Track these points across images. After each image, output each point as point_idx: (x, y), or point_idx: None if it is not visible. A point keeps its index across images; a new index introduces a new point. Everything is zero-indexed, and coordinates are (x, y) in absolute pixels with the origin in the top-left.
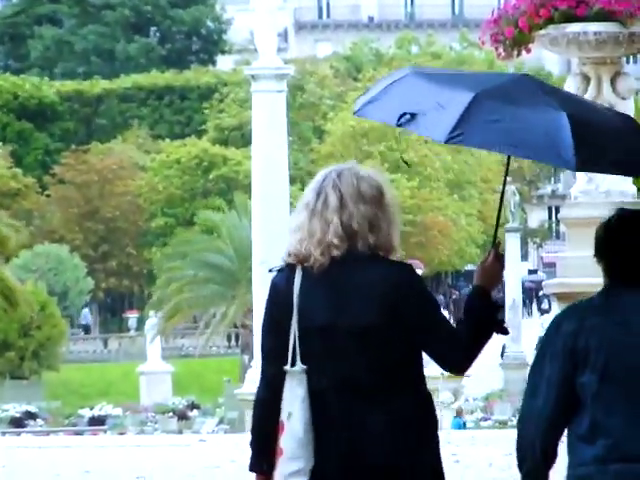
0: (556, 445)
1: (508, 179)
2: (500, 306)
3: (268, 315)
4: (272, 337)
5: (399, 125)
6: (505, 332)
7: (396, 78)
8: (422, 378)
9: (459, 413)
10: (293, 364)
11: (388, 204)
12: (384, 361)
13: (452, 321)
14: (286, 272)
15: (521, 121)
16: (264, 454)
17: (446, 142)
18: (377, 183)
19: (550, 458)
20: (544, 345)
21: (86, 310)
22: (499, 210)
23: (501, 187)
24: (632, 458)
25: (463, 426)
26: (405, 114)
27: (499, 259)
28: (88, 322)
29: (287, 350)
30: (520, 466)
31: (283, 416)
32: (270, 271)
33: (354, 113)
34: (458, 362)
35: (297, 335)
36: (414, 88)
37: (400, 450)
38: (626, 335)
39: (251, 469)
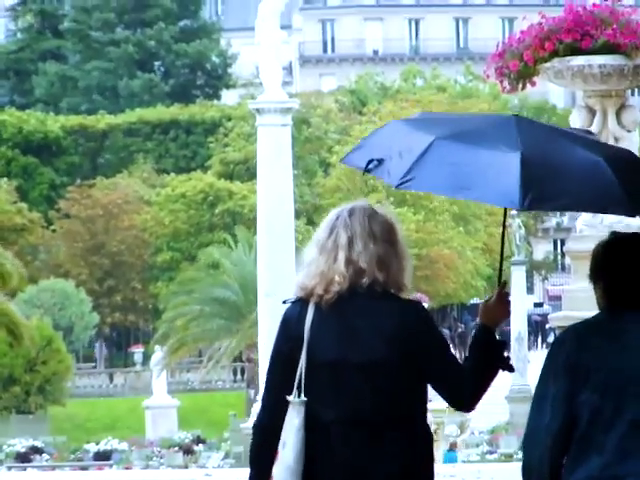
0: (562, 462)
1: (514, 212)
2: (504, 342)
3: (278, 346)
4: (280, 367)
5: (367, 171)
6: (511, 369)
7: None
8: (425, 415)
9: (453, 446)
10: (298, 395)
11: (399, 243)
12: (390, 397)
13: (458, 355)
14: (298, 305)
15: (474, 163)
16: (261, 476)
17: (397, 187)
18: (389, 222)
19: (556, 476)
20: (547, 364)
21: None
22: (501, 250)
23: (507, 221)
24: (625, 477)
25: (455, 460)
26: (372, 160)
27: (503, 299)
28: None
29: (292, 381)
30: None
31: (280, 445)
32: (284, 302)
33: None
34: (465, 401)
35: (305, 368)
36: (391, 134)
37: None
38: (625, 357)
39: None
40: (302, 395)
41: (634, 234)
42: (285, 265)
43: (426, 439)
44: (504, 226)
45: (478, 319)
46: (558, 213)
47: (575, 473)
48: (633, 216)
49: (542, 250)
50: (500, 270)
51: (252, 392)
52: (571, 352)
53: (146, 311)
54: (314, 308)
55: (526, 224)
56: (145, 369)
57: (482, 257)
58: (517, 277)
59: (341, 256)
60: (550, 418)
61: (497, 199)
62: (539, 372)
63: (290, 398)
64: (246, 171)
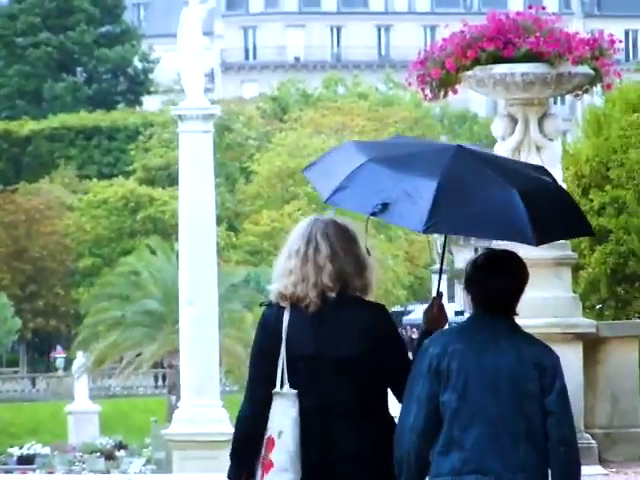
0: (427, 456)
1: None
2: None
3: (258, 343)
4: (261, 363)
5: (373, 215)
6: None
7: (355, 163)
8: (387, 405)
9: None
10: (282, 386)
11: (362, 250)
12: (358, 388)
13: None
14: (275, 308)
15: (480, 205)
16: (245, 465)
17: (424, 232)
18: (353, 232)
19: (423, 468)
20: (414, 368)
21: None
22: (441, 264)
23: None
24: (484, 471)
25: None
26: (377, 205)
27: (441, 308)
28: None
29: (274, 375)
30: (398, 477)
31: (272, 433)
32: (261, 305)
33: (324, 201)
34: None
35: (285, 362)
36: (377, 176)
37: (366, 464)
38: (483, 359)
39: (229, 477)
40: (287, 387)
41: (502, 252)
42: (207, 272)
43: (391, 426)
44: (444, 247)
45: (422, 326)
46: None
47: (440, 466)
48: (536, 246)
49: (463, 259)
50: (439, 282)
51: (173, 398)
52: (434, 357)
53: (68, 316)
54: (290, 309)
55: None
56: (67, 374)
57: (403, 265)
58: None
59: (328, 265)
60: (415, 417)
61: (512, 237)
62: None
63: (279, 390)
64: (167, 177)
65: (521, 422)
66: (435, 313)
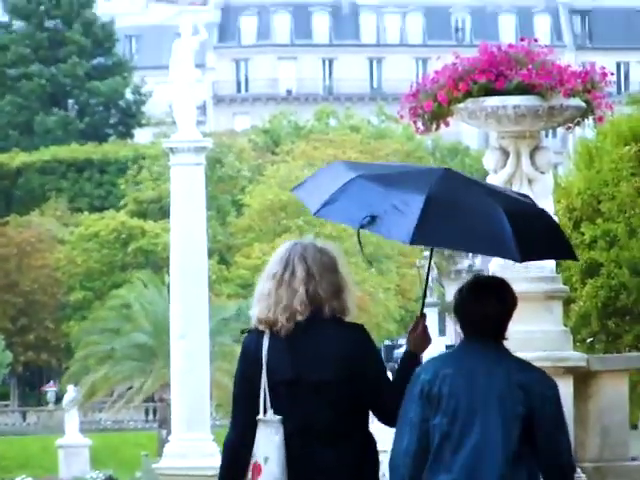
0: (421, 477)
1: (426, 253)
2: None
3: (240, 371)
4: (243, 390)
5: (361, 227)
6: None
7: (345, 179)
8: (367, 424)
9: None
10: (265, 413)
11: (343, 273)
12: (338, 409)
13: None
14: (255, 334)
15: (467, 219)
16: None
17: (411, 243)
18: (334, 255)
19: None
20: (407, 394)
21: None
22: (425, 285)
23: (419, 261)
24: None
25: None
26: (366, 217)
27: (425, 329)
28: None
29: (257, 400)
30: None
31: (258, 459)
32: (242, 332)
33: (313, 214)
34: (392, 417)
35: (267, 388)
36: (366, 191)
37: None
38: (472, 384)
39: None
40: (270, 413)
41: (490, 278)
42: (198, 305)
43: (372, 445)
44: (430, 261)
45: (406, 348)
46: (470, 255)
47: None
48: (520, 262)
49: (454, 292)
50: (423, 305)
51: (164, 432)
52: (425, 382)
53: (59, 350)
54: (269, 335)
55: (439, 265)
56: (58, 408)
57: (394, 299)
58: (429, 318)
59: (301, 289)
60: (408, 441)
61: (498, 253)
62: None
63: (263, 416)
64: (159, 210)
65: (510, 445)
66: (419, 333)
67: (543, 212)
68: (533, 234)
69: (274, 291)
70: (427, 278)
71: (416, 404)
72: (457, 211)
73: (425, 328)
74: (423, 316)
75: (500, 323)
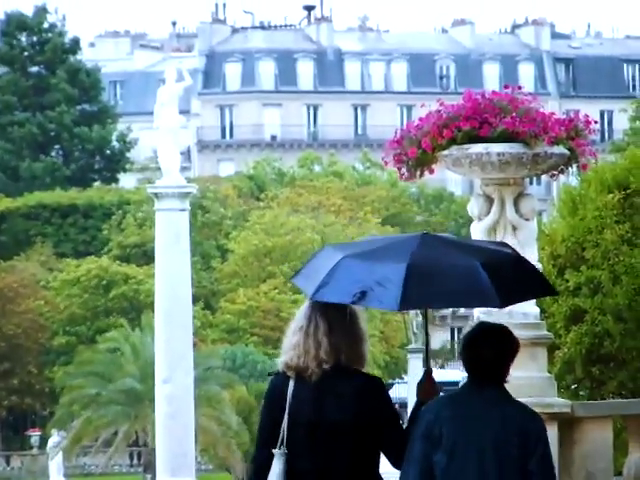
0: None
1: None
2: None
3: (266, 410)
4: (266, 427)
5: (353, 303)
6: None
7: (333, 262)
8: (377, 466)
9: None
10: (280, 447)
11: (361, 328)
12: (353, 451)
13: None
14: (281, 377)
15: (446, 278)
16: None
17: (399, 310)
18: (354, 312)
19: None
20: (412, 433)
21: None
22: (427, 342)
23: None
24: None
25: None
26: (356, 293)
27: (433, 381)
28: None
29: (278, 437)
30: None
31: None
32: (269, 375)
33: (310, 298)
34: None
35: (286, 427)
36: (353, 269)
37: None
38: (470, 425)
39: None
40: (283, 448)
41: (491, 324)
42: (183, 350)
43: None
44: (426, 325)
45: (416, 397)
46: None
47: None
48: (500, 307)
49: (439, 338)
50: (427, 358)
51: (149, 477)
52: (429, 422)
53: (43, 395)
54: (295, 379)
55: (423, 312)
56: (42, 452)
57: (378, 345)
58: (414, 365)
59: (325, 341)
60: (413, 476)
61: (479, 304)
62: None
63: (274, 450)
64: (143, 255)
65: None
66: (427, 386)
67: (519, 257)
68: (511, 279)
69: (302, 343)
70: (426, 333)
71: (419, 442)
72: (436, 273)
73: (432, 380)
74: (430, 370)
75: (499, 367)
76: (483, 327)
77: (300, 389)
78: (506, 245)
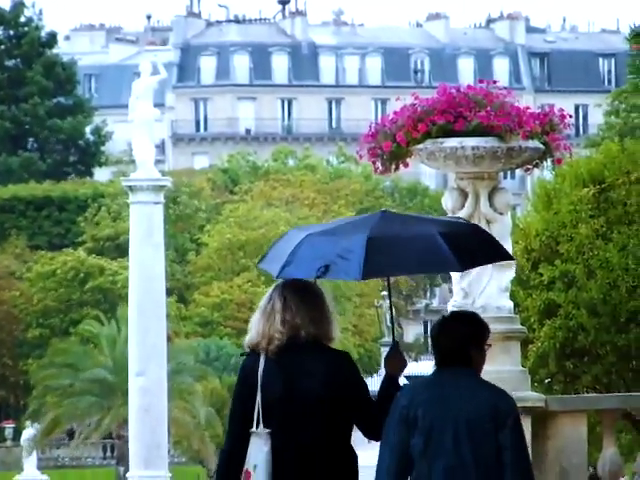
0: None
1: (384, 293)
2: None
3: (238, 389)
4: (241, 405)
5: (317, 277)
6: None
7: (297, 241)
8: (349, 439)
9: None
10: (257, 426)
11: (325, 305)
12: (326, 426)
13: None
14: (252, 357)
15: (406, 246)
16: None
17: (363, 279)
18: (316, 289)
19: None
20: (388, 418)
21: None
22: (391, 316)
23: (378, 301)
24: None
25: None
26: (320, 268)
27: (400, 353)
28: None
29: (252, 415)
30: None
31: (249, 467)
32: (241, 355)
33: (275, 277)
34: (377, 433)
35: (261, 404)
36: (316, 245)
37: None
38: (444, 406)
39: None
40: (259, 426)
41: (459, 312)
42: (156, 343)
43: (353, 458)
44: (389, 294)
45: (385, 371)
46: (428, 295)
47: None
48: (461, 271)
49: (413, 332)
50: (393, 332)
51: (122, 469)
52: (403, 407)
53: (17, 387)
54: (264, 358)
55: (397, 305)
56: (16, 444)
57: (352, 338)
58: None
59: (278, 317)
60: (389, 461)
61: (439, 269)
62: None
63: (255, 429)
64: (116, 248)
65: (479, 459)
66: (394, 359)
67: (475, 226)
68: (469, 246)
69: (258, 320)
70: (391, 310)
71: (395, 427)
72: (396, 242)
73: (400, 353)
74: (397, 343)
75: (464, 349)
76: (451, 315)
77: (269, 366)
78: (461, 218)
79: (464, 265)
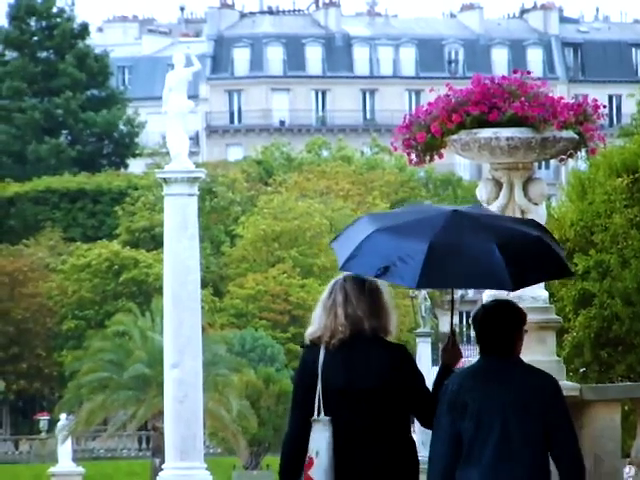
0: (454, 476)
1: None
2: None
3: (299, 379)
4: (302, 395)
5: (377, 276)
6: None
7: (364, 234)
8: (408, 428)
9: None
10: (318, 415)
11: (384, 300)
12: (380, 415)
13: None
14: (313, 349)
15: (463, 261)
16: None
17: (417, 288)
18: (375, 284)
19: None
20: (439, 405)
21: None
22: (452, 307)
23: (413, 292)
24: None
25: None
26: (380, 268)
27: (456, 344)
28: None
29: (313, 404)
30: None
31: (311, 453)
32: (302, 347)
33: (340, 269)
34: (431, 419)
35: (321, 394)
36: (380, 244)
37: (388, 477)
38: (491, 391)
39: None
40: (321, 414)
41: (498, 301)
42: (191, 336)
43: (411, 446)
44: (452, 297)
45: (440, 361)
46: None
47: (462, 479)
48: (512, 291)
49: (448, 322)
50: (451, 324)
51: (157, 461)
52: (453, 393)
53: (51, 379)
54: (324, 350)
55: (432, 296)
56: (50, 436)
57: None
58: (423, 349)
59: (340, 311)
60: (441, 444)
61: (492, 286)
62: None
63: (317, 417)
64: (151, 239)
65: (528, 441)
66: (451, 350)
67: (538, 238)
68: (526, 262)
69: (320, 315)
70: (452, 301)
71: (446, 413)
72: (454, 254)
73: (456, 344)
74: (453, 334)
75: (508, 337)
76: (491, 305)
77: (329, 358)
78: (533, 223)
79: (517, 285)
